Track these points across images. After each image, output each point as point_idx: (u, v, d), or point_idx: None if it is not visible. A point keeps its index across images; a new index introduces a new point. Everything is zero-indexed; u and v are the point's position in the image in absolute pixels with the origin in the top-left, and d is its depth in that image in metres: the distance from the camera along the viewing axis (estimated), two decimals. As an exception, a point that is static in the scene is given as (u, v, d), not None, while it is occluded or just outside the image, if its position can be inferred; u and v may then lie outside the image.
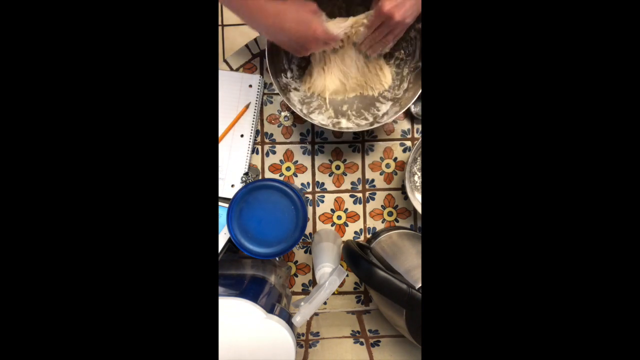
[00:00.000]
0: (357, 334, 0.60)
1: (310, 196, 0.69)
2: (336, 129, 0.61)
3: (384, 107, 0.63)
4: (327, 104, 0.65)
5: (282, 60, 0.63)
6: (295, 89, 0.64)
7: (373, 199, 0.69)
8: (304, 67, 0.65)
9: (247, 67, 0.68)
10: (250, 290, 0.52)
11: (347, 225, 0.69)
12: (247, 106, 0.66)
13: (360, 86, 0.64)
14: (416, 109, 0.67)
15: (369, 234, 0.69)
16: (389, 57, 0.64)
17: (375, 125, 0.59)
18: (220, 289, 0.51)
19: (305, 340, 0.60)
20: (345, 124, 0.63)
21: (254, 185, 0.52)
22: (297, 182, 0.69)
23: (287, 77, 0.64)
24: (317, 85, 0.63)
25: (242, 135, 0.66)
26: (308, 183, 0.69)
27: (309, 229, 0.69)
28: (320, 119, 0.63)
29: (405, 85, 0.63)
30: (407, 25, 0.52)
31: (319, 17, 0.53)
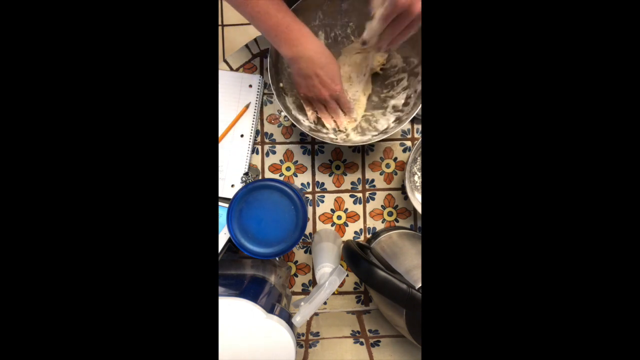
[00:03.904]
0: (357, 334, 0.60)
1: (310, 196, 0.69)
2: (349, 144, 0.59)
3: (384, 122, 0.63)
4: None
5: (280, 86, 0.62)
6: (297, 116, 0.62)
7: (373, 199, 0.69)
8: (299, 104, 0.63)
9: (247, 67, 0.68)
10: (250, 290, 0.52)
11: (347, 225, 0.69)
12: (247, 106, 0.66)
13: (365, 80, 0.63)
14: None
15: (369, 234, 0.69)
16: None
17: (384, 136, 0.58)
18: (220, 289, 0.51)
19: (305, 340, 0.59)
20: (353, 137, 0.63)
21: (254, 185, 0.52)
22: (297, 182, 0.69)
23: (288, 102, 0.62)
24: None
25: (242, 135, 0.66)
26: (308, 183, 0.69)
27: (309, 229, 0.69)
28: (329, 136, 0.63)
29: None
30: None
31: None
